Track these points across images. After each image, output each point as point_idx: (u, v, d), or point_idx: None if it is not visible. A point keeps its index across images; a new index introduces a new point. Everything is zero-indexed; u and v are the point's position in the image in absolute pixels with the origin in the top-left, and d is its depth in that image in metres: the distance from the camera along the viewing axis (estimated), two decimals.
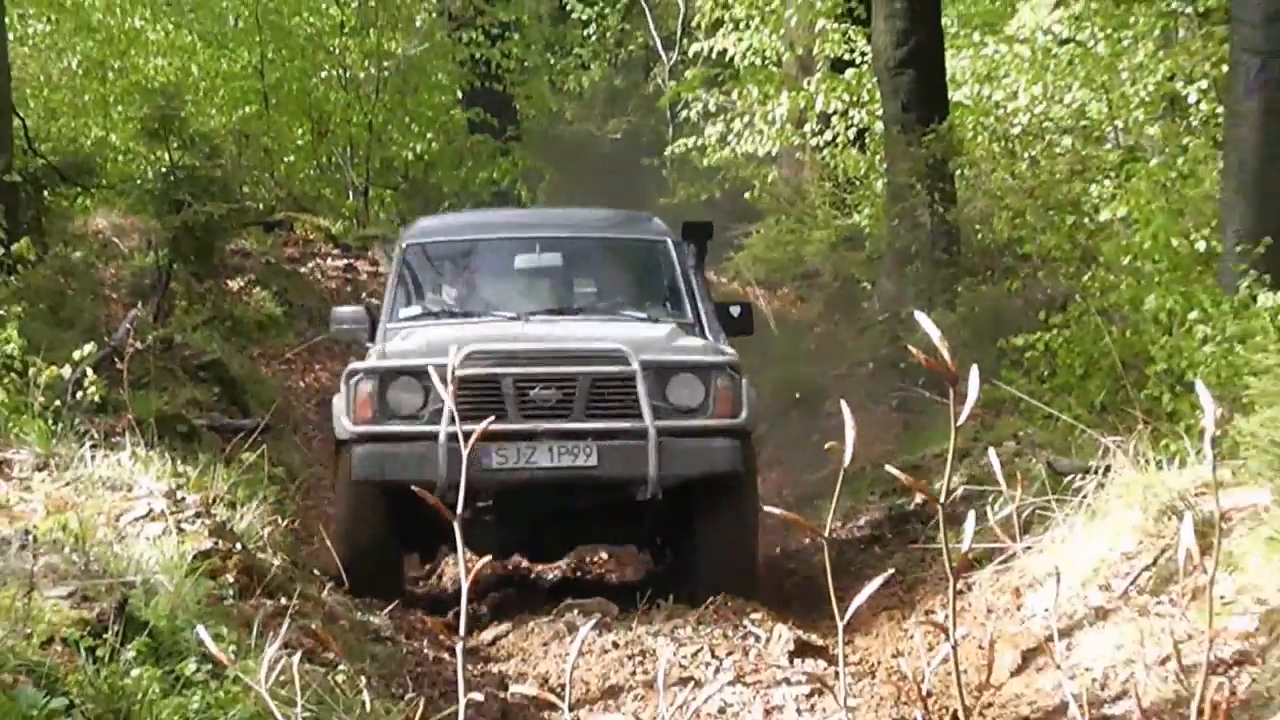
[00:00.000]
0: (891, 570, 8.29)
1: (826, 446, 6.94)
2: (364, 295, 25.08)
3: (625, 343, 12.99)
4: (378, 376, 12.68)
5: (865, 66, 25.78)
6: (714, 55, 30.82)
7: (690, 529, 13.19)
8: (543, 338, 13.58)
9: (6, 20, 22.55)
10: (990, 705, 10.28)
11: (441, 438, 12.22)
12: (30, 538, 10.53)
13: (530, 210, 19.48)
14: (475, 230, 15.99)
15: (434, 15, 33.40)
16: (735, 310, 14.82)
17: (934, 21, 23.12)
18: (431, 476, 12.04)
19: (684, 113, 31.45)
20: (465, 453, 5.67)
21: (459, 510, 5.49)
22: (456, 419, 11.81)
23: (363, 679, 10.28)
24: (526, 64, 35.51)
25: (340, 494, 13.37)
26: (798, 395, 21.78)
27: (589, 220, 16.59)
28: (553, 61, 39.48)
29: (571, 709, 8.33)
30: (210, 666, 8.78)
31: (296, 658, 7.49)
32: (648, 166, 33.57)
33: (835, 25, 26.85)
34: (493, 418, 10.67)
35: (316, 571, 12.76)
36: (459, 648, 4.45)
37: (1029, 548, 11.57)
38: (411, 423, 12.61)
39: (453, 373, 12.14)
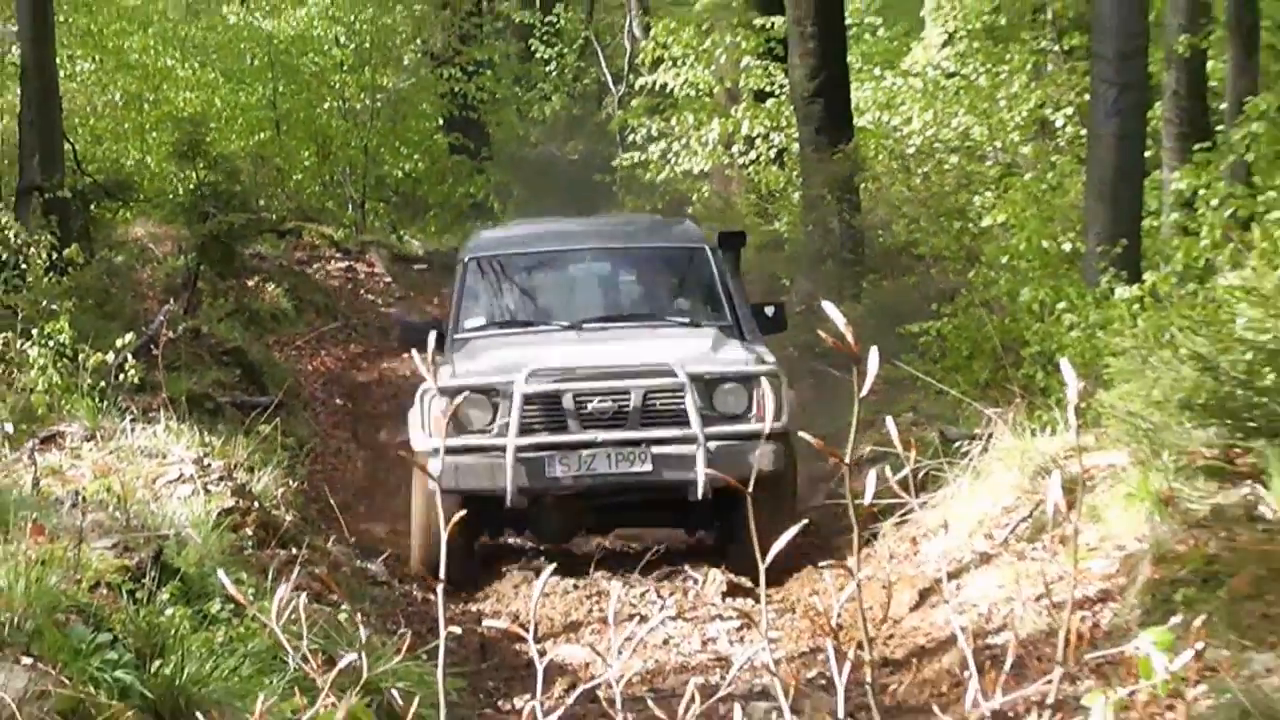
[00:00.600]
0: (806, 521, 8.13)
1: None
2: (361, 292, 25.26)
3: (674, 355, 12.41)
4: (450, 395, 12.05)
5: (784, 97, 25.56)
6: (656, 88, 30.36)
7: (730, 518, 12.57)
8: (598, 353, 12.77)
9: (58, 60, 22.60)
10: (892, 636, 10.36)
11: (510, 451, 11.78)
12: (80, 498, 10.55)
13: (579, 220, 17.66)
14: (531, 243, 14.77)
15: (419, 55, 33.48)
16: (770, 311, 14.14)
17: (841, 59, 23.21)
18: (501, 485, 11.77)
19: (631, 136, 31.24)
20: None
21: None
22: (511, 431, 11.59)
23: (361, 616, 10.15)
24: (498, 96, 35.58)
25: (417, 499, 12.64)
26: None
27: (634, 230, 15.89)
28: (520, 94, 39.49)
29: (538, 641, 7.69)
30: (232, 606, 8.77)
31: (304, 598, 7.45)
32: (600, 182, 33.40)
33: (758, 62, 26.69)
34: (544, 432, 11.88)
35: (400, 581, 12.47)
36: (439, 590, 4.29)
37: (925, 503, 11.52)
38: (482, 436, 12.05)
39: (519, 391, 11.35)
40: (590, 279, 14.33)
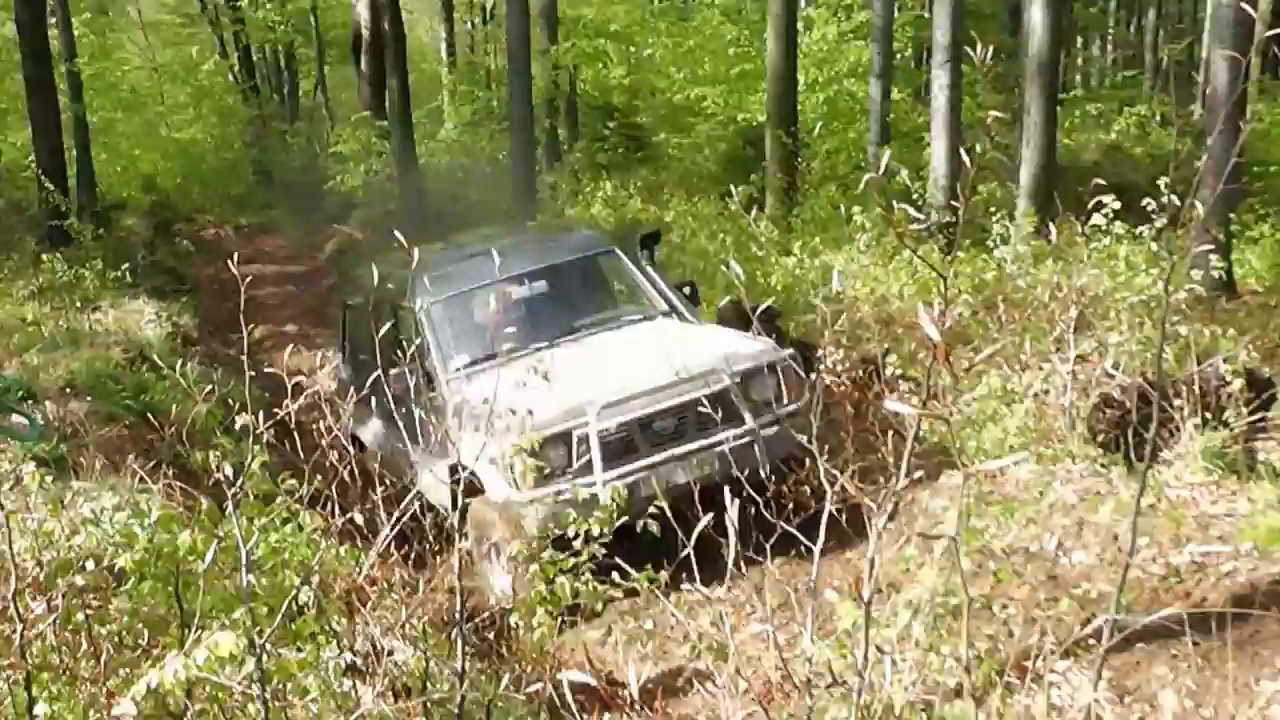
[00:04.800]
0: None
1: None
2: (222, 241, 29.75)
3: (704, 359, 11.57)
4: (529, 451, 9.62)
5: None
6: None
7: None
8: (632, 372, 11.60)
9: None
10: None
11: (601, 489, 10.01)
12: (105, 329, 19.05)
13: (488, 242, 14.46)
14: (477, 277, 12.91)
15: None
16: (686, 289, 13.69)
17: None
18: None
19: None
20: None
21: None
22: (597, 470, 10.80)
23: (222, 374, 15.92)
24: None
25: (515, 544, 8.48)
26: None
27: (552, 246, 14.30)
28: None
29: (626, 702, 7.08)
30: (170, 374, 11.84)
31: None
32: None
33: None
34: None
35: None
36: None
37: None
38: (565, 475, 10.80)
39: (594, 431, 10.86)
40: (541, 298, 13.27)
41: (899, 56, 27.71)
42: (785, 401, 11.68)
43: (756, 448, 11.25)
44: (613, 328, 13.08)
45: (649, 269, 13.74)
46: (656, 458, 11.23)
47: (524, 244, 14.91)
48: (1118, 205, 13.33)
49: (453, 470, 10.74)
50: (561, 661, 8.98)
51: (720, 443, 11.23)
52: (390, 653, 6.98)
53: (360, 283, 14.16)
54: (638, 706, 5.72)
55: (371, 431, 13.97)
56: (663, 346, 11.82)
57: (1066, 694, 7.12)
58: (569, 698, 4.86)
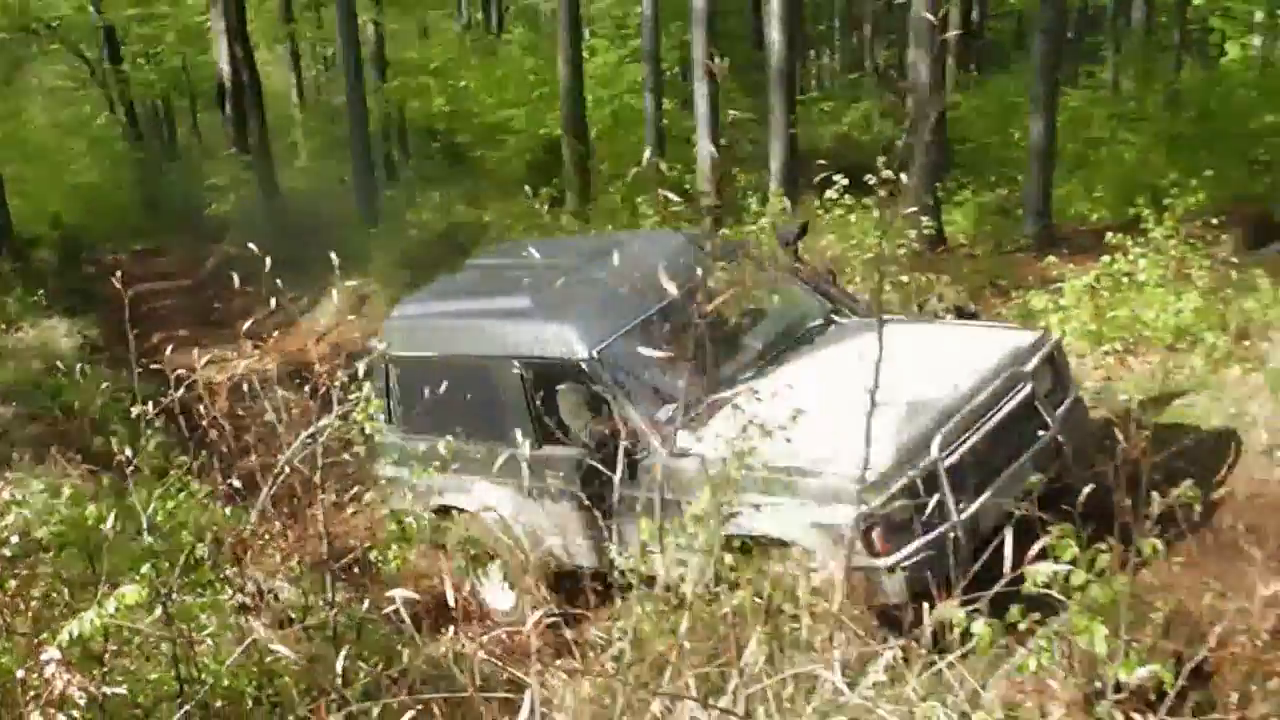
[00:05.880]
0: None
1: None
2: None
3: (1000, 357, 8.64)
4: (885, 518, 7.47)
5: None
6: None
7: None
8: (919, 391, 8.14)
9: None
10: None
11: (959, 529, 7.60)
12: (26, 345, 19.79)
13: (589, 264, 9.78)
14: (626, 312, 9.13)
15: None
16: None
17: None
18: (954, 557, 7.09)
19: None
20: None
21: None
22: (951, 511, 7.60)
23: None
24: None
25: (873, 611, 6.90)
26: None
27: (659, 257, 8.62)
28: None
29: None
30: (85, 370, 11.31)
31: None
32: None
33: None
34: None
35: None
36: None
37: None
38: (915, 527, 7.60)
39: (942, 468, 7.64)
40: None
41: (669, 73, 28.07)
42: (1066, 389, 8.93)
43: (1064, 449, 8.46)
44: (808, 341, 9.47)
45: (797, 268, 10.25)
46: (997, 482, 8.04)
47: (624, 261, 9.05)
48: (846, 183, 13.76)
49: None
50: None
51: (1037, 450, 8.36)
52: (274, 592, 7.07)
53: (416, 337, 10.11)
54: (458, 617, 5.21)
55: (481, 499, 9.60)
56: (906, 353, 7.73)
57: None
58: (399, 609, 4.53)
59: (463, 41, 36.23)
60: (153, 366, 7.34)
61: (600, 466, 7.93)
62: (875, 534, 7.44)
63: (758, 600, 5.78)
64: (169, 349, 7.62)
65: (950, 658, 5.03)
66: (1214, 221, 12.60)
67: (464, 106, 30.97)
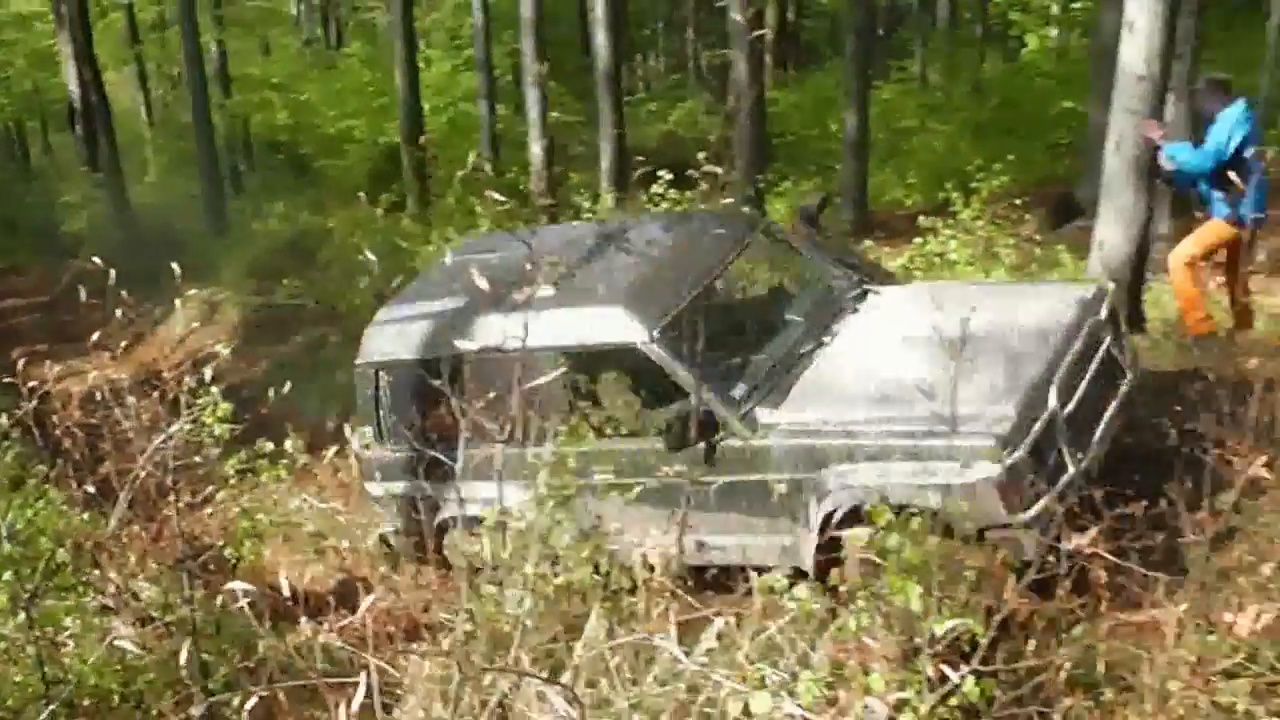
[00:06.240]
0: None
1: None
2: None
3: (1067, 309, 7.73)
4: (1020, 473, 6.53)
5: None
6: None
7: None
8: (1012, 350, 7.28)
9: None
10: None
11: (1075, 479, 6.57)
12: None
13: (629, 246, 8.69)
14: (677, 290, 8.00)
15: None
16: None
17: None
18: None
19: None
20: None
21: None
22: (1071, 466, 6.73)
23: None
24: None
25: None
26: None
27: (694, 238, 8.69)
28: None
29: None
30: None
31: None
32: None
33: None
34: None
35: None
36: None
37: None
38: (1040, 480, 6.59)
39: (1059, 418, 6.84)
40: (739, 300, 9.20)
41: (502, 80, 27.93)
42: (1124, 338, 8.16)
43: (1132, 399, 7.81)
44: (852, 310, 8.43)
45: (818, 241, 9.28)
46: (1098, 430, 7.33)
47: (656, 242, 8.70)
48: (672, 178, 13.79)
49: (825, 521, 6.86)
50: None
51: (1122, 397, 7.66)
52: (134, 592, 6.89)
53: (415, 339, 8.69)
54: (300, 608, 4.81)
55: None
56: (980, 313, 6.83)
57: None
58: (242, 604, 4.43)
59: (303, 56, 35.92)
60: (6, 381, 7.03)
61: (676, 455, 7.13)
62: (1013, 490, 6.57)
63: (596, 577, 5.56)
64: (22, 363, 7.32)
65: (779, 622, 4.97)
66: (1018, 203, 12.76)
67: (306, 119, 30.79)
